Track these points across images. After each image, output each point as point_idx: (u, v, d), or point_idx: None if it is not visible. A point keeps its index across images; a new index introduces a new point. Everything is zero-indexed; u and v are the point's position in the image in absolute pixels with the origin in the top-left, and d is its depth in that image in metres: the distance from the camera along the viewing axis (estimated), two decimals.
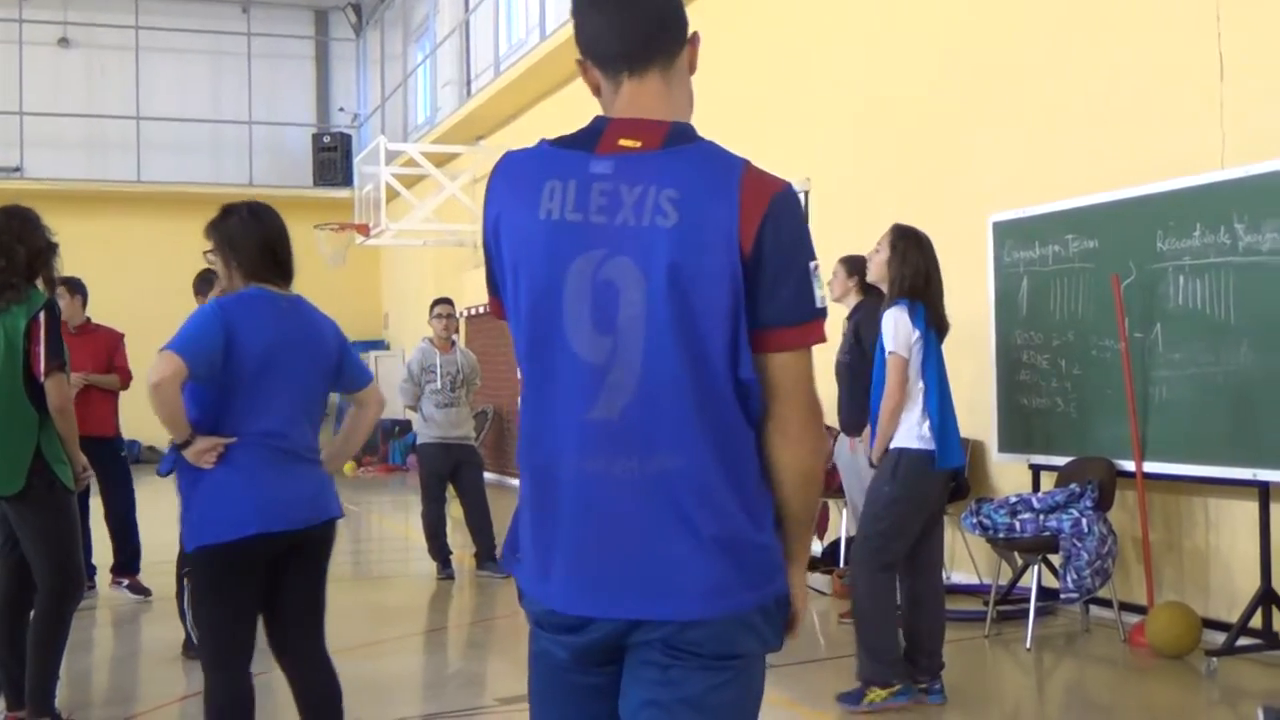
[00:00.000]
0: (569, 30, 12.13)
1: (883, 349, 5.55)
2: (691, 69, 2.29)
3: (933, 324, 5.54)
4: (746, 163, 2.11)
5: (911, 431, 5.47)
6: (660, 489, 2.05)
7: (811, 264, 2.11)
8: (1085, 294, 7.03)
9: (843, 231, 8.72)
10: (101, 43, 22.34)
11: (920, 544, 5.60)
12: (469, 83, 17.89)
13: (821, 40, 9.92)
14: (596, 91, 2.25)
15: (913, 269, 5.54)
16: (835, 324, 7.81)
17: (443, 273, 19.32)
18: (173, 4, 22.45)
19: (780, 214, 2.06)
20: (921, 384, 5.48)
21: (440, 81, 19.67)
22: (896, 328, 5.45)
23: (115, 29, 22.27)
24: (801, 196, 10.01)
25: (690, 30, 2.26)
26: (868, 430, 6.15)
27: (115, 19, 22.23)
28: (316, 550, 4.18)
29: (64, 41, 22.24)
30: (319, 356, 4.24)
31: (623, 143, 2.11)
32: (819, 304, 2.12)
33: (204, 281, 7.22)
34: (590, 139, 2.13)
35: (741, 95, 11.01)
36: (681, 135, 2.13)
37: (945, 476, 5.66)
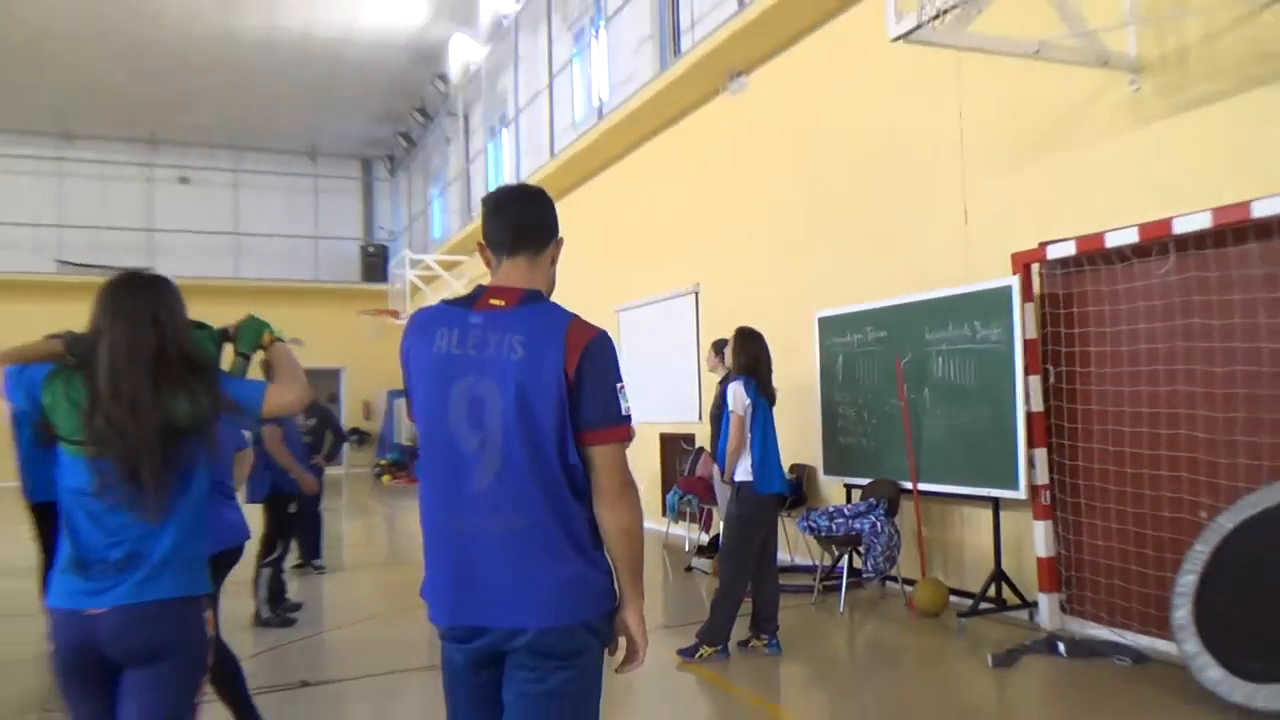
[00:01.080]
0: (541, 178, 12.18)
1: (728, 410, 5.56)
2: (553, 260, 2.32)
3: (762, 393, 5.53)
4: (573, 317, 2.15)
5: (746, 468, 5.43)
6: (517, 538, 2.08)
7: (617, 384, 2.13)
8: (878, 368, 6.96)
9: (722, 320, 8.78)
10: (210, 181, 21.76)
11: (763, 543, 5.51)
12: (469, 210, 17.43)
13: (702, 188, 9.76)
14: (488, 264, 2.28)
15: (748, 356, 5.55)
16: (710, 388, 7.88)
17: None
18: (261, 153, 21.90)
19: (593, 352, 2.10)
20: (748, 435, 5.43)
21: (449, 209, 19.37)
22: (735, 396, 5.49)
23: (220, 171, 21.83)
24: (693, 296, 10.11)
25: (557, 235, 2.31)
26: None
27: (220, 163, 21.80)
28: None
29: (183, 180, 21.75)
30: None
31: (492, 302, 2.17)
32: (624, 413, 2.14)
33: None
34: (471, 300, 2.20)
35: (650, 225, 11.00)
36: (531, 299, 2.18)
37: (772, 498, 5.51)
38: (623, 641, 2.23)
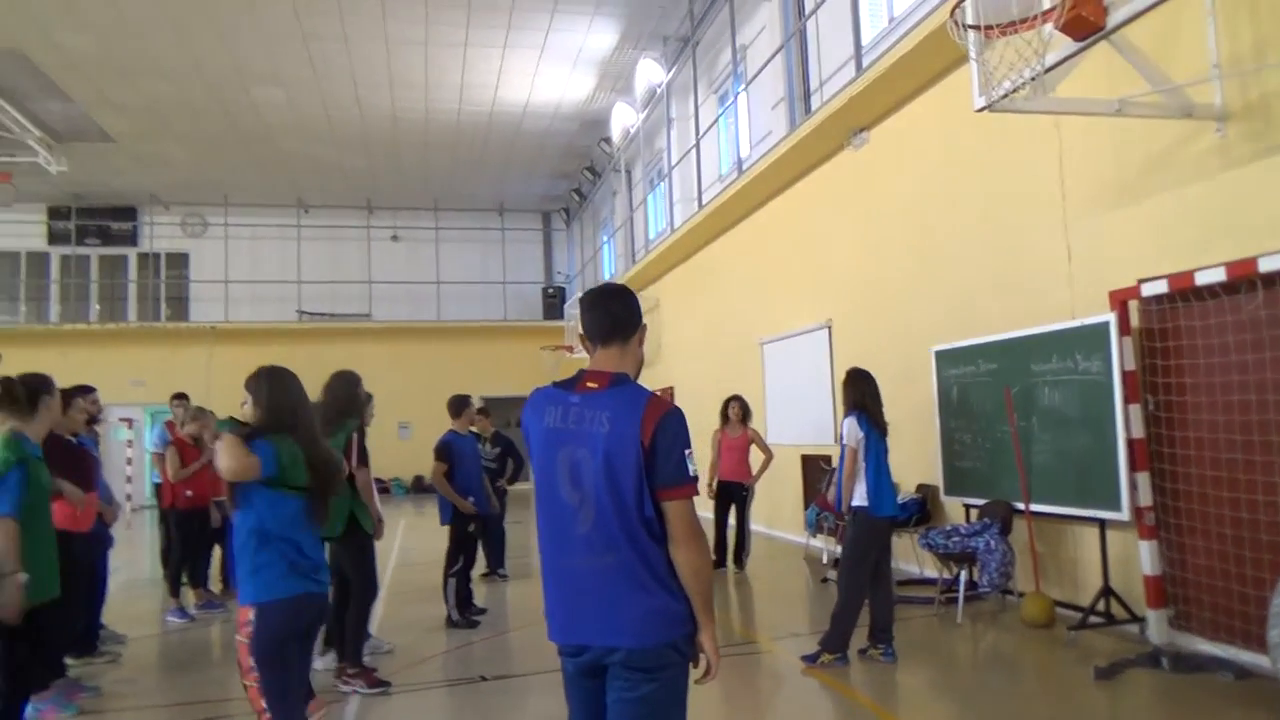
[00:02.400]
0: (689, 228, 12.54)
1: (844, 443, 5.64)
2: (640, 343, 2.59)
3: (874, 426, 5.58)
4: (650, 396, 2.41)
5: (861, 493, 5.50)
6: (610, 573, 2.36)
7: (685, 451, 2.37)
8: (990, 397, 6.89)
9: (851, 352, 8.90)
10: (416, 237, 22.94)
11: (878, 561, 5.58)
12: (633, 255, 17.98)
13: (832, 232, 9.83)
14: (588, 351, 2.57)
15: (858, 394, 5.62)
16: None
17: None
18: (458, 212, 22.95)
19: (665, 425, 2.35)
20: (862, 464, 5.50)
21: (616, 253, 19.89)
22: (849, 431, 5.57)
23: (424, 229, 22.97)
24: (826, 330, 10.19)
25: (641, 325, 2.59)
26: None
27: (424, 222, 22.94)
28: None
29: (395, 237, 23.02)
30: None
31: (588, 385, 2.46)
32: (690, 475, 2.37)
33: (459, 403, 7.26)
34: (573, 383, 2.49)
35: (788, 266, 11.15)
36: (618, 381, 2.45)
37: (885, 521, 5.56)
38: (702, 658, 2.47)
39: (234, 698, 4.91)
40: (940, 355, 7.56)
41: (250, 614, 3.10)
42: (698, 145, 13.46)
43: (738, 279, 12.91)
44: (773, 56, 10.92)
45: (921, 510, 7.90)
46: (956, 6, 4.57)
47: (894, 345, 8.41)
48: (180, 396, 8.15)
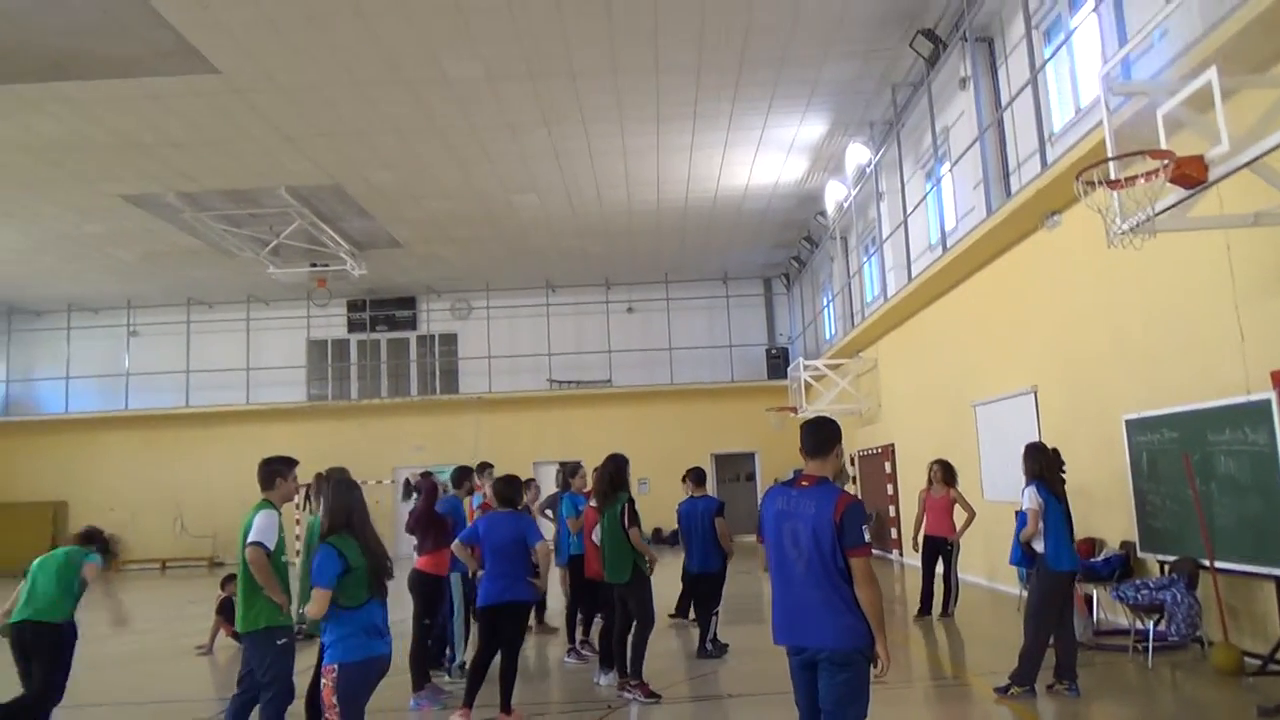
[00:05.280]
0: (901, 297, 13.60)
1: (1024, 508, 6.64)
2: (838, 456, 3.98)
3: (1053, 492, 6.55)
4: (840, 492, 3.79)
5: (1044, 551, 6.49)
6: (819, 601, 3.71)
7: (863, 525, 3.74)
8: (1174, 463, 7.52)
9: (1055, 414, 9.72)
10: (649, 308, 25.04)
11: (1061, 610, 6.48)
12: (851, 318, 18.86)
13: (1032, 305, 10.63)
14: (805, 460, 4.00)
15: (1037, 465, 6.62)
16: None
17: (843, 430, 20.26)
18: (686, 283, 24.87)
19: (850, 510, 3.72)
20: (1042, 525, 6.50)
21: (836, 315, 20.80)
22: (1030, 497, 6.56)
23: (655, 300, 25.05)
24: (1032, 395, 10.98)
25: (838, 445, 3.99)
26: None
27: (656, 294, 25.01)
28: None
29: (630, 309, 25.28)
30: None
31: (802, 484, 3.90)
32: (865, 541, 3.72)
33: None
34: (793, 482, 3.93)
35: (994, 335, 11.96)
36: (821, 482, 3.86)
37: (1065, 574, 6.45)
38: (880, 660, 3.81)
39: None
40: (1130, 423, 8.30)
41: (334, 669, 4.33)
42: (905, 222, 14.59)
43: (950, 344, 13.83)
44: (968, 149, 11.98)
45: (1124, 565, 8.59)
46: (1084, 171, 5.71)
47: (1093, 412, 9.18)
48: (486, 466, 9.95)
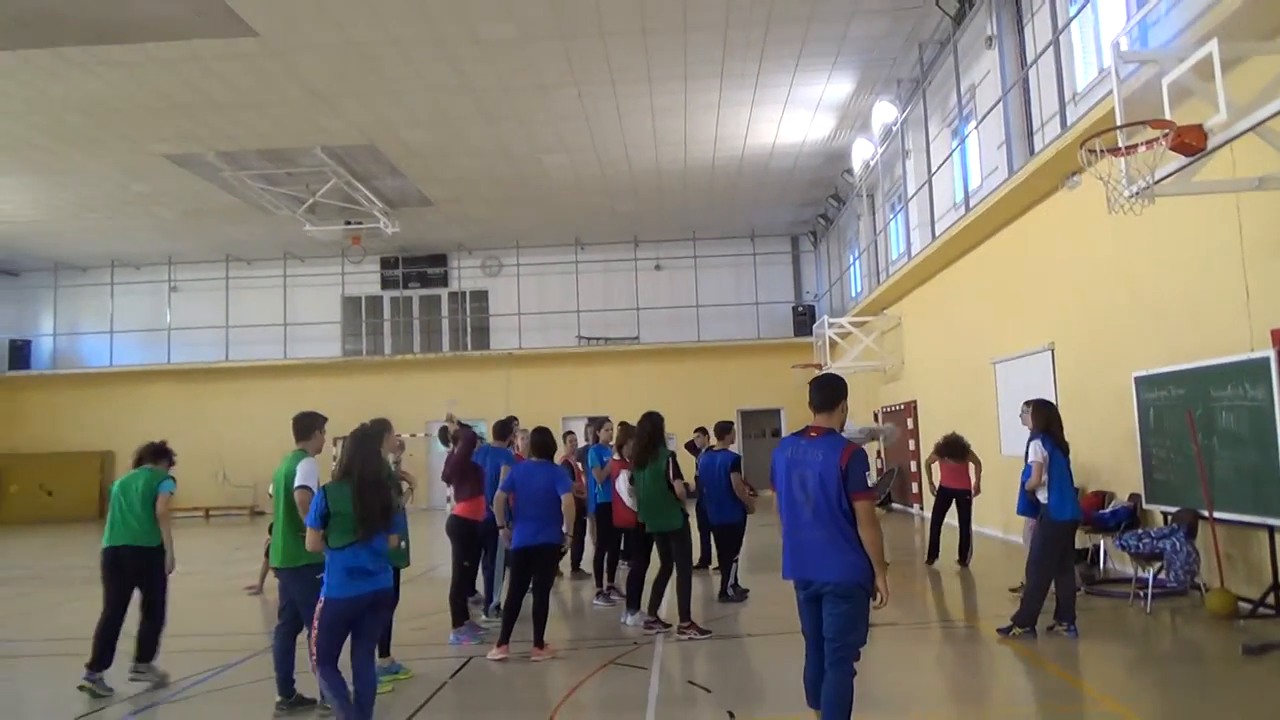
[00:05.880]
0: (925, 255, 13.82)
1: (1029, 459, 6.99)
2: (843, 410, 4.34)
3: (1057, 446, 6.88)
4: (846, 442, 4.15)
5: (1047, 501, 6.85)
6: (824, 540, 4.09)
7: (866, 472, 4.11)
8: (1179, 418, 7.83)
9: (1071, 371, 9.99)
10: (677, 265, 25.38)
11: (1062, 557, 6.86)
12: (877, 275, 19.11)
13: (1050, 264, 10.85)
14: (812, 410, 4.45)
15: (1043, 419, 6.97)
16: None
17: (865, 388, 20.33)
18: (713, 240, 25.14)
19: (854, 457, 4.08)
20: (1046, 476, 6.86)
21: (863, 273, 20.96)
22: (1035, 450, 6.90)
23: (683, 258, 25.39)
24: (1049, 353, 11.25)
25: (843, 402, 4.32)
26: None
27: (683, 251, 25.37)
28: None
29: (658, 267, 25.59)
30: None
31: (810, 434, 4.26)
32: (869, 485, 4.09)
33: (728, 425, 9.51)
34: (803, 433, 4.29)
35: (1014, 293, 12.17)
36: (828, 433, 4.22)
37: (1067, 523, 6.83)
38: (878, 593, 4.20)
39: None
40: (1139, 380, 8.60)
41: (320, 601, 4.80)
42: (930, 181, 14.74)
43: (971, 302, 14.06)
44: (992, 109, 12.12)
45: (1131, 516, 8.91)
46: (1087, 140, 5.96)
47: (1107, 369, 9.45)
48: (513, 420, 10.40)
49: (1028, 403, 8.35)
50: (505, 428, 8.68)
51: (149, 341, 25.89)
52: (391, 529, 5.03)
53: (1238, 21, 6.12)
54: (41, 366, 26.20)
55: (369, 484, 4.93)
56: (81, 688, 6.23)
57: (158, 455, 6.91)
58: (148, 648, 6.59)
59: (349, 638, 4.87)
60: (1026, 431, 7.37)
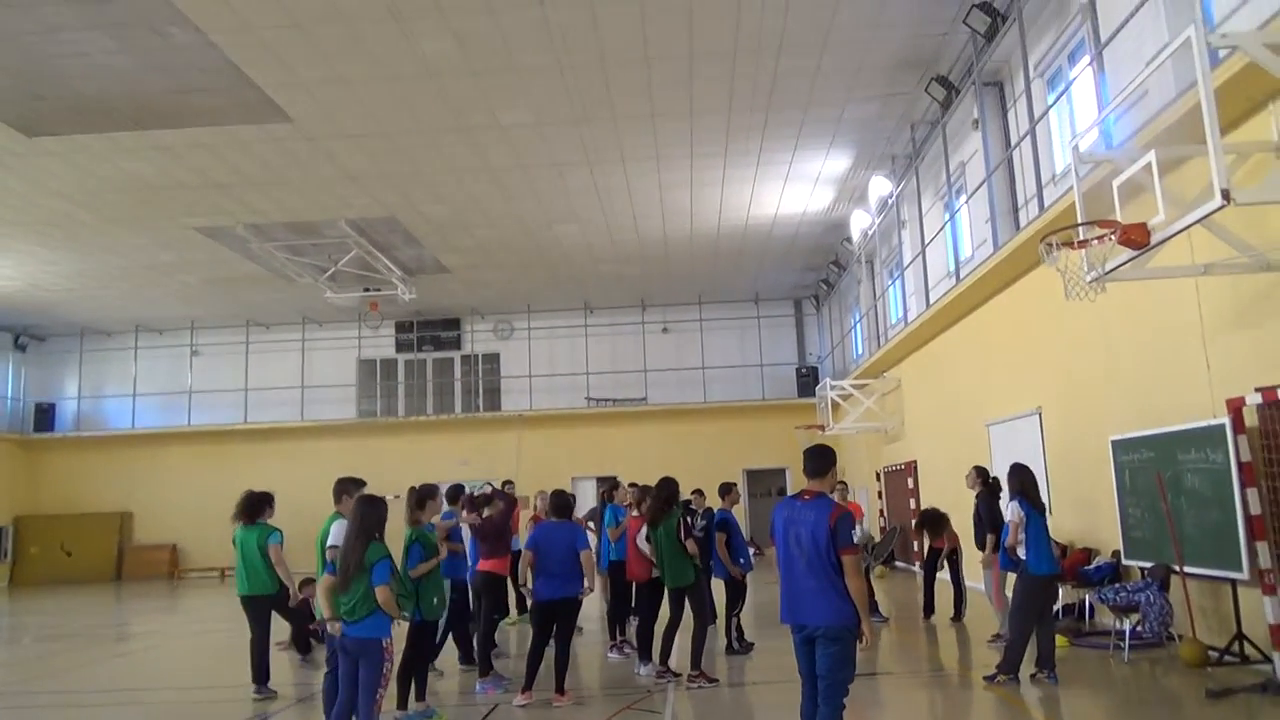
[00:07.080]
0: (920, 322, 14.57)
1: (1007, 518, 7.67)
2: (834, 476, 5.10)
3: (1033, 506, 7.53)
4: (834, 504, 4.83)
5: (1026, 557, 7.46)
6: (815, 589, 4.71)
7: (851, 530, 4.81)
8: (1149, 480, 8.41)
9: (1057, 434, 10.62)
10: (683, 328, 26.17)
11: (1041, 608, 7.43)
12: (878, 338, 19.76)
13: (1037, 332, 11.54)
14: (806, 477, 5.17)
15: (1018, 482, 7.62)
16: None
17: (868, 448, 20.97)
18: (719, 304, 25.95)
19: (840, 519, 4.73)
20: (1023, 536, 7.49)
21: (863, 336, 21.60)
22: (1013, 511, 7.55)
23: (689, 321, 26.18)
24: (1036, 416, 11.93)
25: (834, 469, 5.07)
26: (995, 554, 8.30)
27: (689, 315, 26.17)
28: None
29: (665, 329, 26.37)
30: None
31: (804, 497, 4.94)
32: (854, 542, 4.74)
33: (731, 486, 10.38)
34: (798, 496, 4.98)
35: (1004, 359, 12.83)
36: (819, 496, 4.89)
37: (1044, 577, 7.40)
38: (864, 637, 4.89)
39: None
40: (1116, 444, 9.23)
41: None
42: (924, 251, 15.59)
43: (965, 366, 14.79)
44: (976, 189, 12.99)
45: (1114, 572, 9.51)
46: (1046, 238, 6.77)
47: (1089, 433, 10.11)
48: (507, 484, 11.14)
49: (976, 468, 9.22)
50: (457, 492, 9.60)
51: (169, 404, 26.68)
52: (374, 580, 5.51)
53: (1183, 126, 6.93)
54: (65, 429, 26.96)
55: (349, 539, 5.63)
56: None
57: (259, 506, 7.98)
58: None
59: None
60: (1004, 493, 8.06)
